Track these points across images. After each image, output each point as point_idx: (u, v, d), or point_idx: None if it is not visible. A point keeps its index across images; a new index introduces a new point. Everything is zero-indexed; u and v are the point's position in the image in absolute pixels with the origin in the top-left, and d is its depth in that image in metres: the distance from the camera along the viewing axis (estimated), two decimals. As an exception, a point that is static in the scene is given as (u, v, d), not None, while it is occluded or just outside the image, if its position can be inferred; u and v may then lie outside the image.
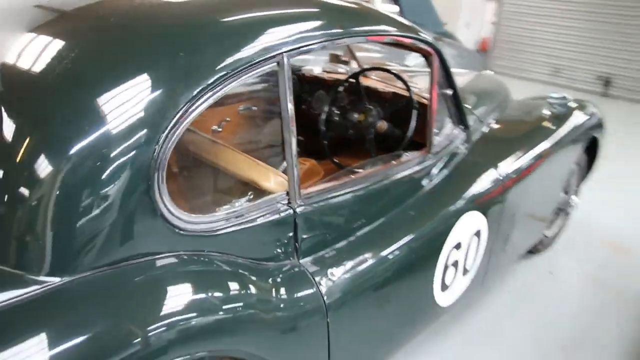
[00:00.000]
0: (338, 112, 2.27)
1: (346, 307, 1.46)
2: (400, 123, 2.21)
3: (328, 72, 2.58)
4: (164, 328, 1.06)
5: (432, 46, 1.83)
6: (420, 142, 2.01)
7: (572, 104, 2.84)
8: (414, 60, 4.33)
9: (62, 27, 1.32)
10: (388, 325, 1.71)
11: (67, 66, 1.14)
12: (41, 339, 0.95)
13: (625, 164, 4.75)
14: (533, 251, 3.00)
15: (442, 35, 5.59)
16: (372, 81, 2.44)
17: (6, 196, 1.05)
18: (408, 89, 2.08)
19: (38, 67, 1.17)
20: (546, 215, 2.76)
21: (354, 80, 2.26)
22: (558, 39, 8.34)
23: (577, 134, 2.70)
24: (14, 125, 1.09)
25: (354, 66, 2.64)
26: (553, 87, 8.04)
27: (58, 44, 1.21)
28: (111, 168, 1.07)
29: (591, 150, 2.99)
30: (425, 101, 2.18)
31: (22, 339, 0.94)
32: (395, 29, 1.69)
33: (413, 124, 2.02)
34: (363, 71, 2.36)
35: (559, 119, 2.67)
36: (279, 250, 1.39)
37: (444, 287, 1.89)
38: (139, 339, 1.03)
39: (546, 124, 2.58)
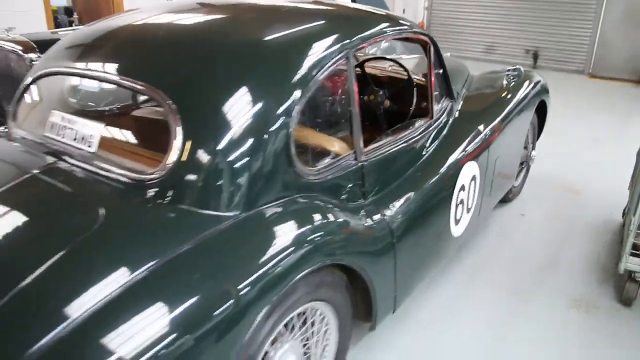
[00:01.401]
0: None
1: (403, 231, 2.08)
2: (397, 100, 2.88)
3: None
4: (309, 242, 1.64)
5: (428, 37, 2.49)
6: (416, 113, 2.66)
7: (523, 75, 3.61)
8: (372, 48, 5.06)
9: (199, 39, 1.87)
10: (426, 248, 2.35)
11: (229, 74, 1.71)
12: (246, 249, 1.52)
13: (562, 122, 5.71)
14: (505, 200, 3.76)
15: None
16: (369, 69, 3.08)
17: (210, 158, 1.58)
18: (407, 73, 2.73)
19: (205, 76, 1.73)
20: (515, 166, 3.51)
21: (359, 69, 2.89)
22: (488, 18, 9.38)
23: (530, 98, 3.47)
24: (206, 107, 1.65)
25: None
26: (488, 63, 9.05)
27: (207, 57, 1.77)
28: (273, 138, 1.65)
29: (540, 112, 3.79)
30: (418, 81, 2.85)
31: (235, 249, 1.51)
32: (406, 27, 2.34)
33: (414, 99, 2.68)
34: (367, 60, 2.99)
35: (516, 87, 3.42)
36: (353, 193, 2.00)
37: (456, 221, 2.56)
38: (298, 248, 1.60)
39: (507, 92, 3.32)
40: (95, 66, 1.88)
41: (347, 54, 1.92)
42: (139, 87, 1.73)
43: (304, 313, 1.78)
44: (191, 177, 1.58)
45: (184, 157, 1.58)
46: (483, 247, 3.29)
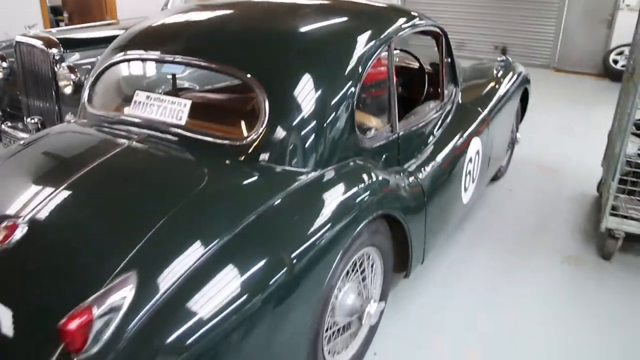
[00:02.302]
0: None
1: (431, 193, 2.49)
2: (407, 86, 3.30)
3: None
4: (373, 194, 2.05)
5: (441, 29, 2.91)
6: (427, 97, 3.09)
7: (510, 66, 4.09)
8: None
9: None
10: (446, 209, 2.76)
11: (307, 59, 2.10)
12: (326, 198, 1.90)
13: (534, 111, 6.24)
14: (494, 178, 4.24)
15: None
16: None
17: (293, 125, 1.96)
18: (419, 62, 3.16)
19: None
20: (506, 145, 3.99)
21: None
22: (459, 17, 9.95)
23: (517, 86, 3.95)
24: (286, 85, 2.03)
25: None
26: (460, 59, 9.61)
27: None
28: (342, 110, 2.05)
29: (522, 99, 4.28)
30: (428, 69, 3.28)
31: (319, 199, 1.88)
32: (425, 21, 2.76)
33: (426, 85, 3.10)
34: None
35: (505, 75, 3.90)
36: (391, 159, 2.40)
37: (465, 189, 2.99)
38: (366, 198, 2.00)
39: (499, 79, 3.79)
40: (181, 52, 2.20)
41: (389, 43, 2.33)
42: (227, 69, 2.09)
43: (360, 259, 2.16)
44: (279, 141, 1.95)
45: (272, 126, 1.95)
46: (480, 217, 3.75)
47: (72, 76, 3.75)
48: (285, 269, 1.65)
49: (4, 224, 1.71)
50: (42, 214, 1.76)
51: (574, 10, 9.06)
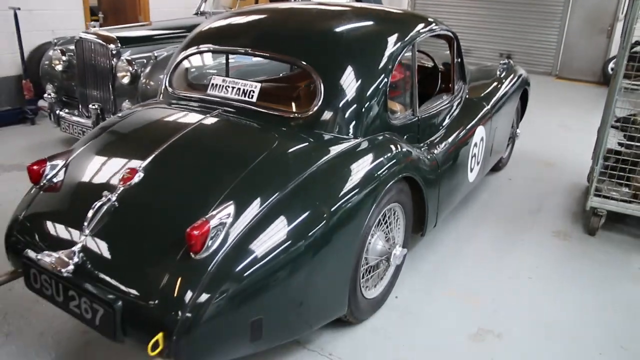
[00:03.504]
0: None
1: (444, 167, 3.11)
2: (421, 81, 3.92)
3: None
4: (400, 159, 2.65)
5: (453, 33, 3.54)
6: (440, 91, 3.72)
7: (512, 68, 4.73)
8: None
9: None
10: (455, 183, 3.37)
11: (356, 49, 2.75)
12: (366, 160, 2.50)
13: (536, 113, 6.90)
14: (496, 169, 4.86)
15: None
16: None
17: (341, 103, 2.59)
18: (434, 61, 3.79)
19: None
20: (506, 137, 4.61)
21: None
22: (465, 24, 10.62)
23: (517, 86, 4.58)
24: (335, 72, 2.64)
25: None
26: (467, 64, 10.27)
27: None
28: (379, 94, 2.66)
29: (522, 99, 4.91)
30: (440, 67, 3.91)
31: (360, 160, 2.48)
32: (440, 26, 3.38)
33: (439, 80, 3.73)
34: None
35: (507, 76, 4.53)
36: (413, 138, 3.01)
37: (471, 169, 3.61)
38: (396, 162, 2.60)
39: (501, 79, 4.42)
40: (250, 45, 2.84)
41: (414, 42, 2.96)
42: (289, 60, 2.74)
43: (388, 213, 2.75)
44: (330, 115, 2.58)
45: (326, 103, 2.57)
46: (483, 199, 4.36)
47: (130, 68, 4.38)
48: (336, 213, 2.26)
49: (125, 170, 2.32)
50: (152, 165, 2.36)
51: (575, 20, 9.72)
